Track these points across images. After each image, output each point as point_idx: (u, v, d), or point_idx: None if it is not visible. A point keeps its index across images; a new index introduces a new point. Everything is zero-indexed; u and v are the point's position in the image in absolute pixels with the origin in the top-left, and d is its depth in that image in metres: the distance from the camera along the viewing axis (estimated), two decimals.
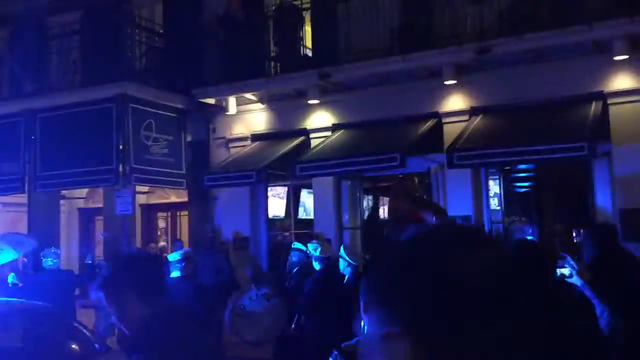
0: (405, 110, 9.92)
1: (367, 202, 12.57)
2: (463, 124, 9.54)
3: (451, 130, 9.61)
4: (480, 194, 9.86)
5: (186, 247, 10.97)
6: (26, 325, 4.93)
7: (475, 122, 9.46)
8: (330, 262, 6.52)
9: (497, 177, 10.33)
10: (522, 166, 10.66)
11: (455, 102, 9.84)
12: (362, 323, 0.91)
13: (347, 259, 6.22)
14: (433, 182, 10.36)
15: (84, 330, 5.14)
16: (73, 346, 5.05)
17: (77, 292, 8.57)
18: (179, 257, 6.53)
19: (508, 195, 10.74)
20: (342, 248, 6.57)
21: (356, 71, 10.05)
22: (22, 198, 12.22)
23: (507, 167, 10.32)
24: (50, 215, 12.72)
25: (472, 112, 9.70)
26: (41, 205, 12.24)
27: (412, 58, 9.51)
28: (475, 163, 8.91)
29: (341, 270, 6.26)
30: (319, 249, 6.82)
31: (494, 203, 10.34)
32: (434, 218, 3.50)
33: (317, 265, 6.65)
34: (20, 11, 12.56)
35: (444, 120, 9.90)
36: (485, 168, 9.70)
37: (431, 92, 9.88)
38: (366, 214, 12.14)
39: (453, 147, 8.76)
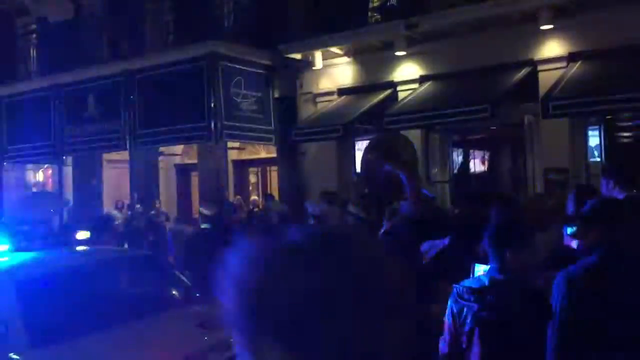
0: (497, 58, 9.48)
1: (456, 155, 12.28)
2: (560, 72, 9.01)
3: (547, 78, 9.11)
4: (579, 145, 9.36)
5: (278, 201, 11.28)
6: (131, 271, 5.28)
7: (574, 69, 8.90)
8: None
9: (598, 127, 9.73)
10: (627, 114, 9.96)
11: (552, 48, 9.28)
12: None
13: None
14: (527, 134, 9.95)
15: (183, 277, 5.44)
16: (174, 292, 5.36)
17: None
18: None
19: (610, 146, 10.11)
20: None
21: (444, 19, 9.69)
22: (125, 155, 12.96)
23: (609, 117, 9.69)
24: (149, 171, 13.47)
25: (570, 58, 9.12)
26: (141, 161, 12.94)
27: (506, 2, 9.02)
28: (573, 112, 8.42)
29: None
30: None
31: (595, 155, 9.79)
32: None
33: None
34: None
35: (540, 67, 9.38)
36: (584, 118, 9.16)
37: (525, 38, 9.37)
38: (456, 167, 11.89)
39: (548, 96, 8.32)
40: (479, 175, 12.28)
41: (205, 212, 6.94)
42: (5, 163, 14.55)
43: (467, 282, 2.94)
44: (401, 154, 3.84)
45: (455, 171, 11.68)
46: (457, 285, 2.90)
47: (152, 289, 5.18)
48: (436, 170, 11.03)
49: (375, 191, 5.32)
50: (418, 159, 5.38)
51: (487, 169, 12.64)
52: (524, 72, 9.41)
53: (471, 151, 12.55)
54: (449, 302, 2.93)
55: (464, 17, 9.49)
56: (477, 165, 12.71)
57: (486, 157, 12.80)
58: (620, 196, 4.07)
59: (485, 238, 2.88)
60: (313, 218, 6.99)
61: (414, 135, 10.56)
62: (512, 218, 3.64)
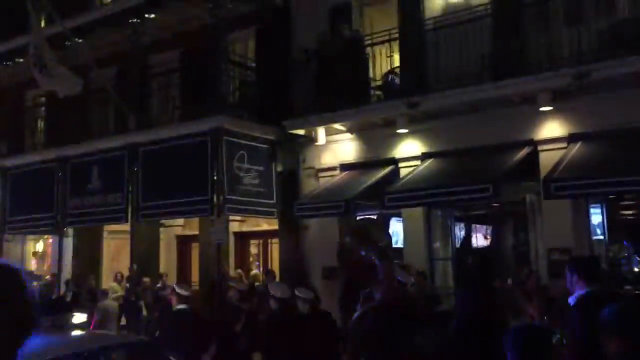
0: (498, 138, 9.62)
1: (458, 230, 12.24)
2: (561, 152, 9.09)
3: (548, 158, 9.19)
4: (581, 223, 9.33)
5: (277, 276, 11.15)
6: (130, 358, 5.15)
7: (574, 150, 8.99)
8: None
9: (600, 205, 9.74)
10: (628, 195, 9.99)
11: (552, 128, 9.42)
12: None
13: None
14: (529, 212, 9.95)
15: None
16: None
17: None
18: None
19: (613, 224, 10.09)
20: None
21: (446, 99, 9.88)
22: (126, 226, 12.93)
23: (612, 196, 9.71)
24: (150, 243, 13.41)
25: (571, 139, 9.23)
26: (142, 233, 12.92)
27: (506, 85, 9.23)
28: (574, 194, 8.44)
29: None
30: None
31: (597, 232, 9.75)
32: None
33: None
34: (125, 51, 13.46)
35: (540, 147, 9.49)
36: (585, 198, 9.17)
37: (525, 119, 9.53)
38: (458, 242, 11.82)
39: (550, 177, 8.36)
40: (481, 251, 12.22)
41: (182, 292, 7.06)
42: (6, 234, 14.51)
43: None
44: (375, 239, 3.93)
45: (458, 247, 11.60)
46: None
47: None
48: (438, 246, 10.95)
49: (349, 276, 5.56)
50: (391, 244, 5.61)
51: (490, 244, 12.58)
52: (524, 151, 9.51)
53: (473, 227, 12.53)
54: None
55: (464, 98, 9.68)
56: (479, 241, 12.65)
57: (488, 232, 12.77)
58: (582, 291, 4.15)
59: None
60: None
61: (416, 212, 10.60)
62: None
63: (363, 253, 3.68)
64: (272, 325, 6.88)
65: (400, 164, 10.86)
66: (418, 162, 10.60)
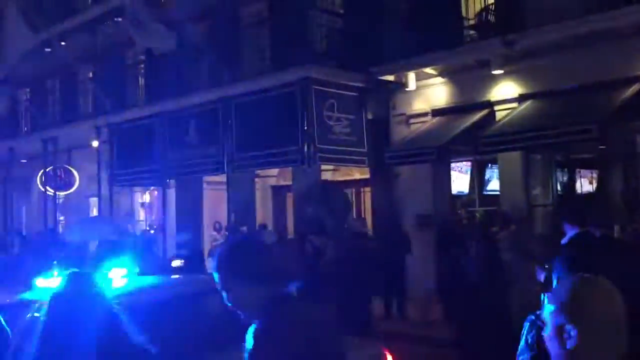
0: (604, 74, 8.86)
1: (561, 176, 11.58)
2: None
3: None
4: None
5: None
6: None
7: None
8: None
9: None
10: None
11: None
12: None
13: None
14: None
15: None
16: None
17: None
18: None
19: None
20: None
21: (546, 35, 9.20)
22: (224, 178, 13.38)
23: None
24: (246, 193, 13.82)
25: None
26: (238, 184, 13.32)
27: (617, 15, 8.42)
28: None
29: None
30: None
31: None
32: None
33: None
34: (215, 5, 13.64)
35: None
36: None
37: (636, 52, 8.69)
38: (560, 189, 11.21)
39: None
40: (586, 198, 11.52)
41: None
42: (115, 187, 15.48)
43: None
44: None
45: (559, 193, 11.00)
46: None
47: None
48: (537, 192, 10.46)
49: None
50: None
51: (596, 190, 11.82)
52: (635, 87, 8.72)
53: (577, 171, 11.80)
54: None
55: (567, 32, 8.96)
56: (584, 187, 11.92)
57: (594, 177, 11.98)
58: (571, 232, 3.99)
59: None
60: None
61: (513, 156, 10.13)
62: None
63: None
64: None
65: (496, 107, 10.36)
66: (515, 105, 10.06)
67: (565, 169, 11.64)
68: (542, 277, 3.66)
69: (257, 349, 1.95)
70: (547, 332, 1.54)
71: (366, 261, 7.74)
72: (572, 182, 11.76)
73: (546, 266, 3.20)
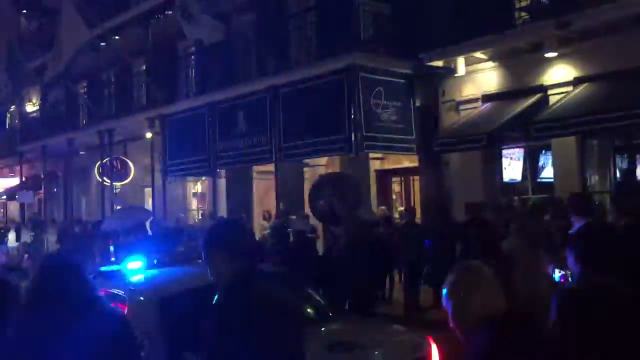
0: None
1: (620, 161, 11.09)
2: None
3: None
4: None
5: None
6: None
7: None
8: None
9: None
10: None
11: None
12: None
13: None
14: None
15: (317, 296, 5.44)
16: (309, 310, 5.37)
17: None
18: None
19: None
20: None
21: (601, 15, 8.79)
22: (272, 167, 13.47)
23: None
24: (295, 182, 13.86)
25: None
26: (287, 173, 13.37)
27: None
28: None
29: None
30: None
31: None
32: None
33: None
34: None
35: None
36: None
37: None
38: (620, 175, 10.73)
39: None
40: None
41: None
42: (168, 176, 15.83)
43: None
44: None
45: (618, 179, 10.54)
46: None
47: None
48: (595, 179, 10.06)
49: None
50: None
51: None
52: None
53: (638, 157, 11.27)
54: None
55: (625, 11, 8.53)
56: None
57: None
58: (578, 224, 4.16)
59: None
60: None
61: (568, 142, 9.77)
62: None
63: None
64: None
65: (549, 91, 10.01)
66: (570, 88, 9.70)
67: (625, 155, 11.15)
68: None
69: (211, 319, 2.30)
70: None
71: (370, 249, 7.84)
72: (632, 168, 11.26)
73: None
